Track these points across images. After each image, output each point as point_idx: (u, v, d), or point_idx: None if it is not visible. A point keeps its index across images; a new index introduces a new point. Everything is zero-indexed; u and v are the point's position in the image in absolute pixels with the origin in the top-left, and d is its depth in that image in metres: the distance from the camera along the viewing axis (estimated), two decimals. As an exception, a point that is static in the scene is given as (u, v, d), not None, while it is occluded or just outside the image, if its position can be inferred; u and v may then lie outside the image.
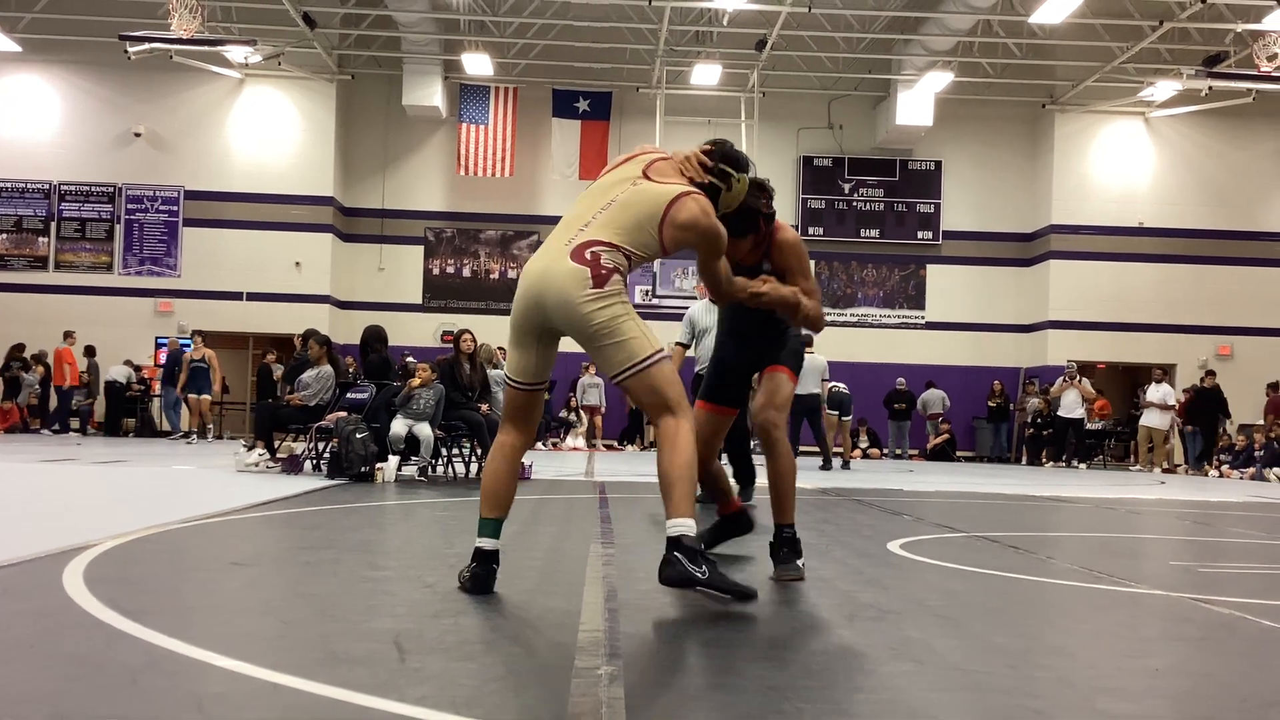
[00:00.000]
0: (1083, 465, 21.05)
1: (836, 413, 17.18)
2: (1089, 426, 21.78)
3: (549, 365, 4.08)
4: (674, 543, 3.67)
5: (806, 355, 16.20)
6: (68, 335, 20.76)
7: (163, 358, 21.52)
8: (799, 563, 4.61)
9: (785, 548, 4.62)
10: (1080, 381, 20.98)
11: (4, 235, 22.78)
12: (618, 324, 3.81)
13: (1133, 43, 21.43)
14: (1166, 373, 21.53)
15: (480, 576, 3.99)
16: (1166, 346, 23.40)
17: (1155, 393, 20.37)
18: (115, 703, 2.49)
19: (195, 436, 19.47)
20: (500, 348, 3.53)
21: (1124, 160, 23.93)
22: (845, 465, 16.87)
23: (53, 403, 21.11)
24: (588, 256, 3.84)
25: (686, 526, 3.68)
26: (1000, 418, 23.20)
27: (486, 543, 4.01)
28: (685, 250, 4.15)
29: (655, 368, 3.84)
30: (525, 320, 3.95)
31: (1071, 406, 20.86)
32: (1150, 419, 20.39)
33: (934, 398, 23.00)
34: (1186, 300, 23.59)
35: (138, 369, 21.69)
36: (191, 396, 19.51)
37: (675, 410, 3.84)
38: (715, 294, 4.46)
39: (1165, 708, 2.79)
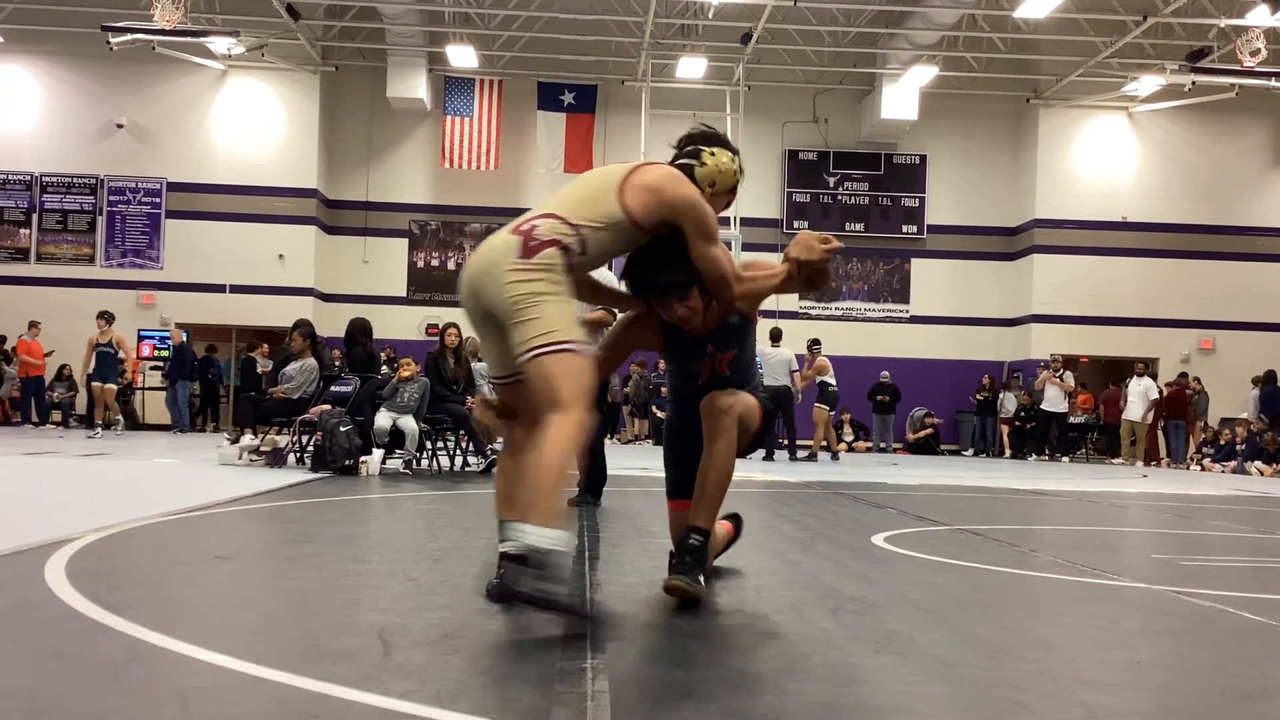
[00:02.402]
0: (1065, 459, 21.14)
1: (827, 407, 17.33)
2: (1071, 420, 21.91)
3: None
4: (507, 556, 3.18)
5: (774, 349, 16.46)
6: (32, 325, 20.38)
7: (145, 350, 21.43)
8: (699, 577, 3.70)
9: (689, 555, 3.72)
10: (1062, 375, 21.07)
11: (-15, 227, 22.63)
12: (535, 300, 3.34)
13: (1116, 37, 21.50)
14: (1149, 367, 21.64)
15: None
16: (1149, 340, 23.51)
17: (1137, 386, 20.48)
18: (97, 697, 2.48)
19: (100, 429, 17.64)
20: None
21: (1108, 155, 24.02)
22: (834, 458, 17.00)
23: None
24: (524, 228, 3.47)
25: (537, 536, 3.16)
26: (989, 411, 23.28)
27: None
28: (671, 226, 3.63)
29: (555, 356, 3.29)
30: (467, 303, 3.56)
31: (1054, 400, 20.97)
32: (1132, 413, 20.50)
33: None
34: (1169, 294, 23.71)
35: (120, 362, 21.55)
36: (96, 385, 18.01)
37: (563, 407, 3.28)
38: (724, 298, 3.77)
39: (1146, 700, 2.80)
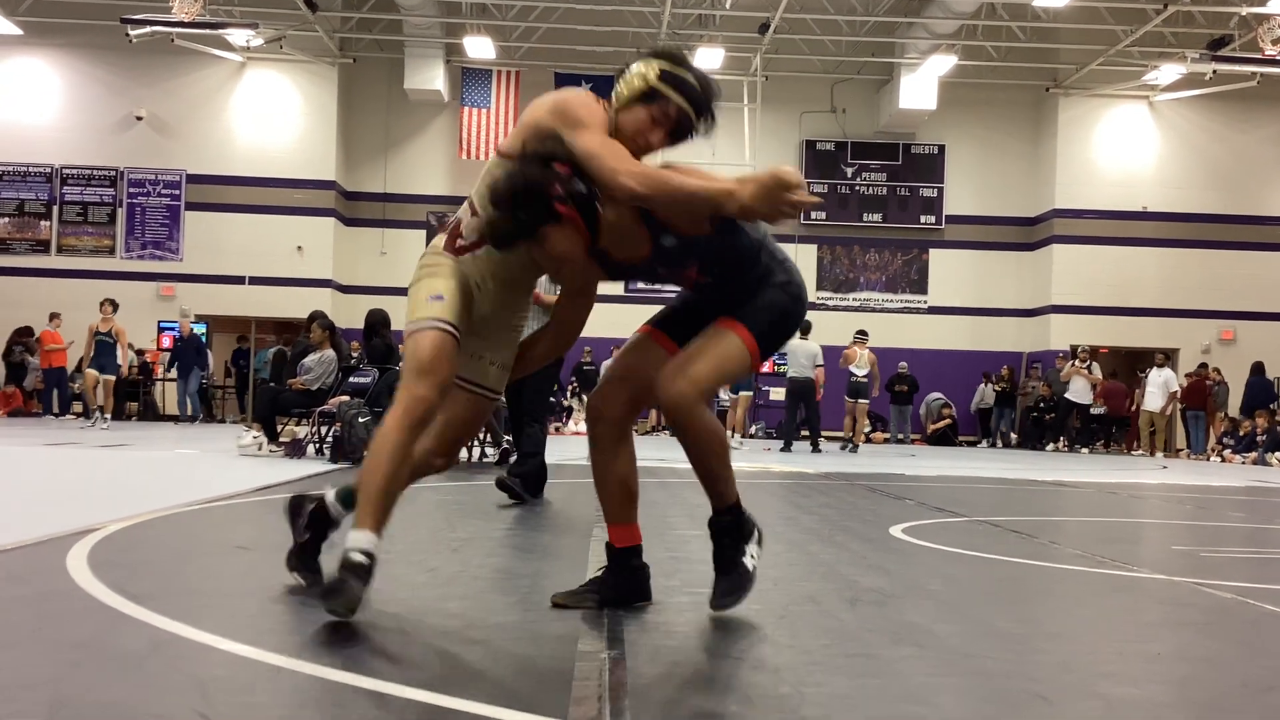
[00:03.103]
0: (1084, 450, 21.05)
1: (856, 399, 17.47)
2: (1093, 411, 21.83)
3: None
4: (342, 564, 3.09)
5: (800, 341, 16.46)
6: (53, 317, 20.44)
7: (165, 342, 21.54)
8: (746, 561, 3.40)
9: (727, 537, 3.43)
10: (1090, 367, 20.95)
11: (6, 219, 22.78)
12: (412, 288, 3.33)
13: (1137, 26, 21.36)
14: (1169, 357, 21.54)
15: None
16: (1169, 331, 23.38)
17: (1157, 377, 20.38)
18: (118, 687, 2.50)
19: (99, 416, 16.75)
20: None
21: (1128, 144, 23.87)
22: (854, 449, 17.05)
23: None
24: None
25: (359, 541, 3.10)
26: (1007, 402, 23.21)
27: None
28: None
29: (410, 337, 3.25)
30: None
31: (1080, 391, 20.85)
32: (1151, 403, 20.40)
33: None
34: (1190, 285, 23.56)
35: (140, 353, 21.70)
36: (91, 373, 16.95)
37: (402, 388, 3.21)
38: (617, 188, 3.07)
39: (1166, 692, 2.79)
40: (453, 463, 3.62)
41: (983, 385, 23.34)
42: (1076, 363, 21.06)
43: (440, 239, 3.40)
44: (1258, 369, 20.53)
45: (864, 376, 17.41)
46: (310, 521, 3.60)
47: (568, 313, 3.54)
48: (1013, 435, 23.08)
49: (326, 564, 3.48)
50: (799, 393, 16.50)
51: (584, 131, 3.13)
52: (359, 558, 3.05)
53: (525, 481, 6.95)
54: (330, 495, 3.57)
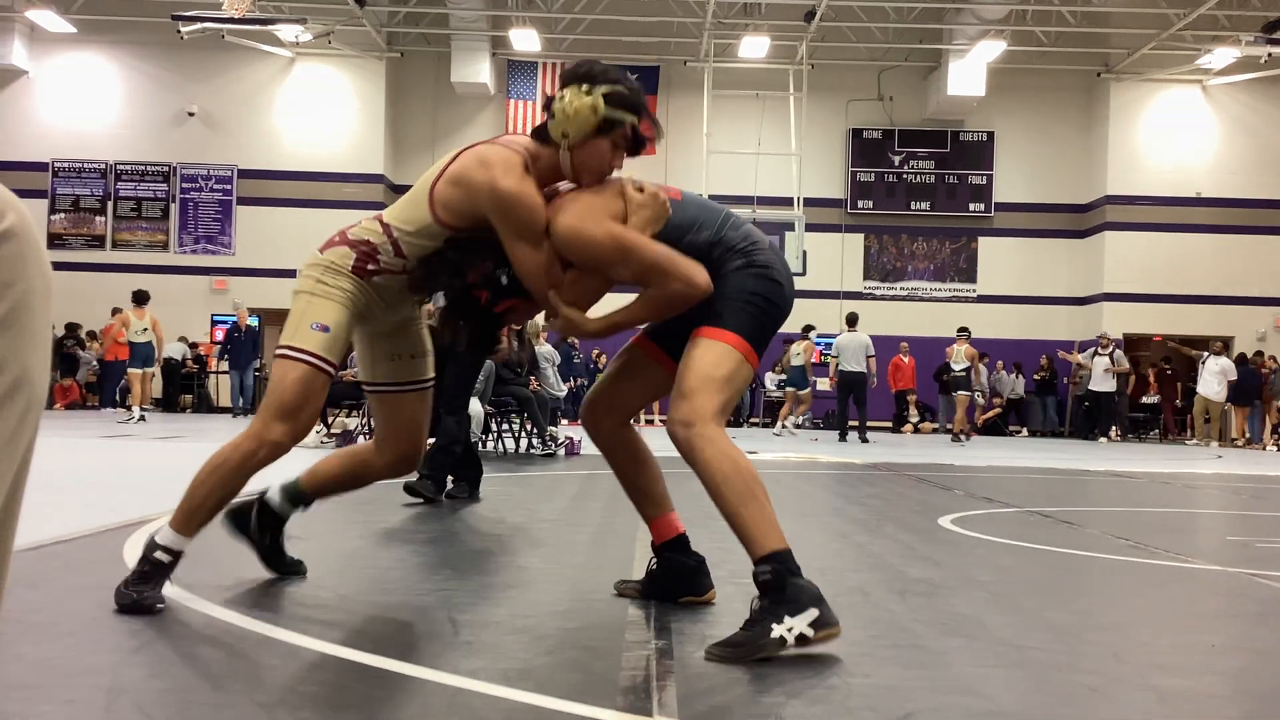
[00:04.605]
0: (1104, 439, 20.56)
1: (956, 391, 17.84)
2: (1143, 400, 21.53)
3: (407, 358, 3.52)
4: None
5: (850, 334, 16.42)
6: (115, 312, 20.69)
7: (218, 335, 21.80)
8: (776, 628, 2.75)
9: (766, 596, 2.83)
10: (1113, 355, 20.62)
11: (62, 215, 23.14)
12: (295, 298, 3.22)
13: (1190, 9, 20.99)
14: (1226, 345, 21.19)
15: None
16: (1223, 319, 23.01)
17: (1214, 366, 20.07)
18: (173, 675, 2.54)
19: (139, 409, 16.54)
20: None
21: (1181, 129, 23.49)
22: (965, 438, 17.60)
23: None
24: (351, 224, 3.30)
25: (168, 539, 3.19)
26: (1048, 391, 22.99)
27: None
28: (480, 224, 3.07)
29: (280, 362, 3.18)
30: None
31: (1102, 379, 20.57)
32: (1207, 391, 20.09)
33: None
34: (1245, 271, 23.17)
35: (194, 346, 21.99)
36: (134, 371, 16.84)
37: (259, 420, 3.18)
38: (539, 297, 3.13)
39: (1222, 684, 2.76)
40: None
41: (1011, 375, 23.04)
42: (1095, 350, 20.76)
43: (342, 253, 3.19)
44: (1240, 360, 20.17)
45: (962, 371, 17.69)
46: (260, 524, 3.63)
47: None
48: (1061, 425, 22.80)
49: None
50: (850, 386, 16.50)
51: (531, 253, 3.02)
52: (163, 556, 3.15)
53: (438, 482, 6.37)
54: (274, 494, 3.59)
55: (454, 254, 3.11)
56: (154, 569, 3.13)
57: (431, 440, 5.97)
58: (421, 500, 6.21)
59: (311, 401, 3.18)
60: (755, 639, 2.76)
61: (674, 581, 3.43)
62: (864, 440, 16.30)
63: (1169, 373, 23.03)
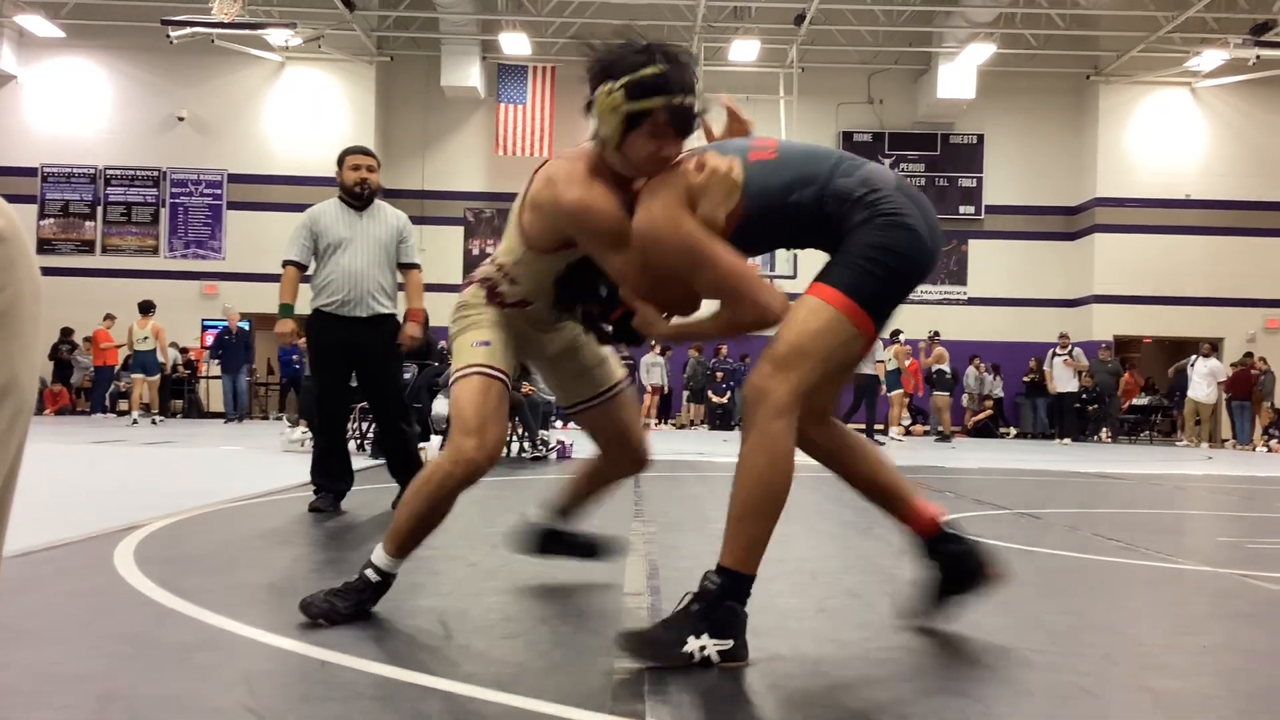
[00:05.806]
0: (1066, 440, 20.44)
1: (946, 394, 17.97)
2: (1134, 403, 21.57)
3: (574, 379, 3.54)
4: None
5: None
6: (107, 317, 20.71)
7: (209, 340, 21.75)
8: (692, 641, 2.66)
9: (699, 601, 2.73)
10: (1071, 353, 20.68)
11: (51, 220, 23.06)
12: (454, 341, 3.28)
13: (1178, 12, 21.08)
14: (1215, 347, 21.26)
15: None
16: (1214, 320, 23.08)
17: (1203, 368, 20.13)
18: (166, 680, 2.53)
19: (158, 414, 17.78)
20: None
21: (1170, 131, 23.57)
22: (947, 439, 17.73)
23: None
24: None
25: (380, 560, 3.23)
26: (1038, 393, 23.05)
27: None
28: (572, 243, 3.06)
29: (455, 384, 3.20)
30: None
31: (1064, 379, 20.63)
32: (1197, 393, 20.15)
33: None
34: (1234, 273, 23.24)
35: (184, 351, 21.93)
36: (138, 377, 17.63)
37: (451, 443, 3.14)
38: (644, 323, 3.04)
39: (1215, 684, 2.76)
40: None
41: (989, 375, 23.03)
42: (1052, 351, 20.89)
43: (473, 290, 3.28)
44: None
45: (936, 373, 18.14)
46: (556, 541, 3.88)
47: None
48: (1051, 428, 22.83)
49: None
50: (864, 389, 16.53)
51: (617, 257, 2.93)
52: (372, 574, 3.22)
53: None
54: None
55: (580, 269, 3.05)
56: (364, 586, 3.19)
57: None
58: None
59: (490, 411, 3.12)
60: (668, 645, 2.67)
61: (962, 575, 3.17)
62: (879, 444, 16.32)
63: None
